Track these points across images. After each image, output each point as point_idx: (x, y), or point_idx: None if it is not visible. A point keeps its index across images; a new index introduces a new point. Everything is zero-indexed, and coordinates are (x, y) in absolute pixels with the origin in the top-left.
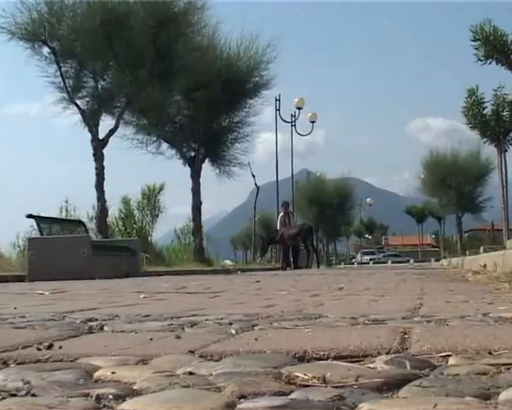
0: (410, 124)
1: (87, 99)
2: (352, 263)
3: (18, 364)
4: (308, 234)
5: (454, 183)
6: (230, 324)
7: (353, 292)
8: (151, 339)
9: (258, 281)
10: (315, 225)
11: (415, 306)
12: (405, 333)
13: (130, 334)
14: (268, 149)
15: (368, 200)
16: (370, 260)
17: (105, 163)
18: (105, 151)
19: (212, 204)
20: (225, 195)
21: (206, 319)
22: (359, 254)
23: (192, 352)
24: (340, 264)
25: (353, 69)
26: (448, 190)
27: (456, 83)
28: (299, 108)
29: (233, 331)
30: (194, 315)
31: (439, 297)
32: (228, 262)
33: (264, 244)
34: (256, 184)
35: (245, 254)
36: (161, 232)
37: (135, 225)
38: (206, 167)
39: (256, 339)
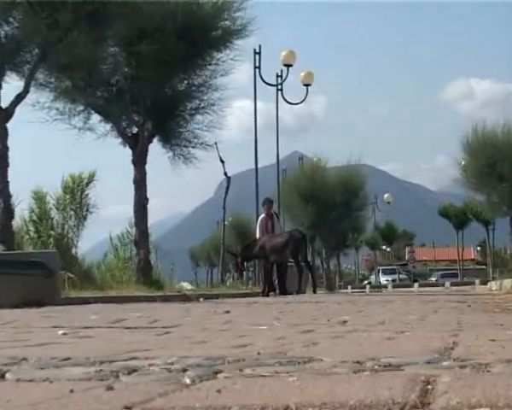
0: (445, 89)
1: None
2: (364, 287)
3: None
4: (300, 245)
5: (508, 172)
6: (184, 370)
7: (361, 327)
8: (72, 391)
9: (228, 311)
10: (310, 231)
11: (446, 346)
12: (428, 383)
13: (43, 384)
14: (244, 123)
15: (386, 196)
16: (392, 281)
17: (9, 142)
18: (9, 125)
19: (163, 202)
20: (182, 189)
21: (151, 364)
22: (377, 273)
23: (129, 409)
24: (345, 287)
25: (366, 11)
26: (499, 183)
27: None
28: (288, 66)
29: (187, 381)
30: (133, 358)
31: (481, 334)
32: (186, 285)
33: (237, 263)
34: (226, 174)
35: (210, 274)
36: (91, 242)
37: (52, 232)
38: (155, 150)
39: (219, 391)
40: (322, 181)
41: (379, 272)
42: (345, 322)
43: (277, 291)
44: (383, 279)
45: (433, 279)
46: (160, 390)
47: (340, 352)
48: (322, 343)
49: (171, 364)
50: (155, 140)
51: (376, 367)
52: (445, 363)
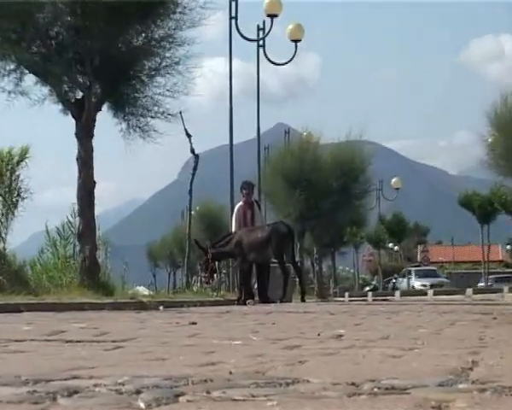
0: (469, 47)
1: None
2: (365, 294)
3: None
4: (286, 241)
5: None
6: (138, 392)
7: (359, 343)
8: None
9: (194, 323)
10: (298, 224)
11: (463, 365)
12: (440, 409)
13: None
14: (216, 88)
15: (393, 181)
16: (431, 286)
17: None
18: None
19: (114, 186)
20: (139, 170)
21: (97, 384)
22: (407, 276)
23: None
24: (342, 295)
25: None
26: None
27: None
28: (273, 16)
29: (142, 405)
30: (75, 377)
31: (507, 352)
32: (142, 290)
33: (207, 262)
34: (193, 151)
35: (172, 277)
36: (23, 236)
37: None
38: (105, 120)
39: None
40: (314, 161)
41: (410, 274)
42: (339, 336)
43: (256, 299)
44: (418, 284)
45: (482, 284)
46: None
47: (331, 372)
48: (311, 362)
49: (122, 384)
50: (105, 108)
51: (376, 390)
52: (461, 386)
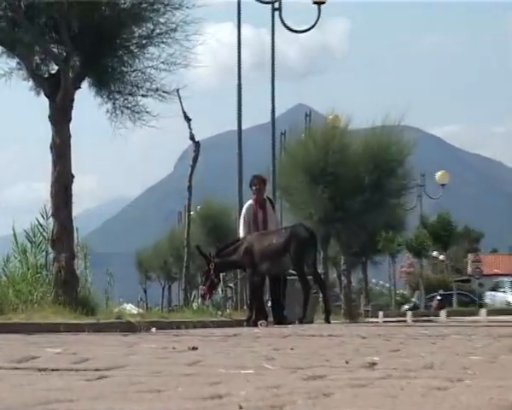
0: None
1: None
2: (403, 314)
3: None
4: (306, 248)
5: None
6: None
7: (397, 372)
8: None
9: (195, 348)
10: (322, 228)
11: None
12: None
13: None
14: (222, 59)
15: (438, 175)
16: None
17: None
18: None
19: (97, 181)
20: (126, 161)
21: None
22: (500, 288)
23: None
24: (375, 315)
25: None
26: None
27: None
28: None
29: None
30: None
31: None
32: (130, 308)
33: (209, 274)
34: (193, 138)
35: (167, 292)
36: None
37: None
38: (85, 100)
39: None
40: (341, 151)
41: (501, 286)
42: (372, 365)
43: (270, 319)
44: None
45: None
46: None
47: (362, 407)
48: (337, 394)
49: None
50: (85, 85)
51: None
52: None
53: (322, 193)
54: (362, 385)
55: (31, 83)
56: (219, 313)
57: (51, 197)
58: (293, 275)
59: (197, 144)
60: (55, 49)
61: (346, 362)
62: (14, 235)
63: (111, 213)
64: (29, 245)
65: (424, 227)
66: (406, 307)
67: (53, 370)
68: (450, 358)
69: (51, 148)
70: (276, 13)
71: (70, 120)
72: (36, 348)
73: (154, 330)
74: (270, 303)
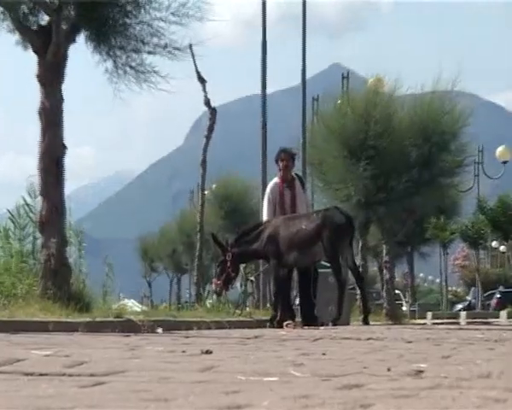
0: None
1: None
2: (456, 315)
3: None
4: (342, 235)
5: None
6: None
7: (448, 381)
8: None
9: (209, 352)
10: (361, 212)
11: None
12: None
13: None
14: (244, 11)
15: (499, 150)
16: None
17: None
18: None
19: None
20: (130, 130)
21: None
22: None
23: None
24: (422, 316)
25: None
26: None
27: None
28: None
29: None
30: None
31: None
32: (132, 305)
33: (226, 264)
34: (209, 104)
35: (176, 286)
36: None
37: None
38: (81, 57)
39: None
40: (385, 120)
41: None
42: (419, 373)
43: (299, 319)
44: None
45: None
46: None
47: None
48: (377, 406)
49: None
50: (81, 39)
51: None
52: None
53: (362, 170)
54: (406, 396)
55: (17, 36)
56: (238, 311)
57: (39, 172)
58: (326, 267)
59: (213, 111)
60: None
61: (388, 369)
62: None
63: (110, 192)
64: (13, 229)
65: (482, 213)
66: (460, 306)
67: (41, 375)
68: (510, 366)
69: (40, 113)
70: None
71: (62, 80)
72: (21, 350)
73: (160, 330)
74: (298, 301)
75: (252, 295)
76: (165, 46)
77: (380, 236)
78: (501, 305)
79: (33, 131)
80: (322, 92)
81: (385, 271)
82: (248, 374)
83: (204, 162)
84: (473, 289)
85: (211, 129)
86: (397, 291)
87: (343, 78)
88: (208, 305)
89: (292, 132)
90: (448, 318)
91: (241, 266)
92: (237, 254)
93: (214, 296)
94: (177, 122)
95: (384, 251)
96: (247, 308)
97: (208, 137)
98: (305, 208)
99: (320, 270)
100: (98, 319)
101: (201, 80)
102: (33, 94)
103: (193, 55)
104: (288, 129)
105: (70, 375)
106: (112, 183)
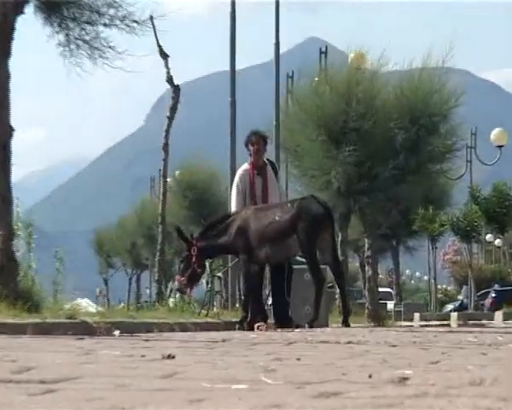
0: None
1: None
2: (447, 317)
3: None
4: (320, 227)
5: None
6: None
7: (436, 389)
8: None
9: (171, 356)
10: (342, 202)
11: None
12: None
13: None
14: None
15: (493, 134)
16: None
17: None
18: None
19: (45, 136)
20: (85, 111)
21: None
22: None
23: None
24: (409, 318)
25: None
26: None
27: None
28: None
29: None
30: None
31: None
32: (86, 304)
33: (191, 260)
34: (172, 81)
35: (135, 284)
36: None
37: None
38: (30, 29)
39: None
40: (368, 100)
41: None
42: (403, 380)
43: (271, 320)
44: None
45: None
46: None
47: None
48: None
49: None
50: (30, 9)
51: None
52: None
53: (343, 156)
54: (389, 405)
55: None
56: (204, 312)
57: None
58: (302, 263)
59: (176, 89)
60: None
61: (370, 376)
62: None
63: (63, 179)
64: None
65: (475, 202)
66: (450, 306)
67: None
68: (504, 372)
69: None
70: None
71: (9, 54)
72: None
73: (117, 333)
74: (270, 300)
75: (219, 294)
76: (123, 18)
77: (362, 228)
78: (496, 305)
79: None
80: (298, 69)
81: (367, 267)
82: (215, 381)
83: (166, 146)
84: (465, 287)
85: (174, 109)
86: (387, 289)
87: (321, 53)
88: (171, 305)
89: (264, 114)
90: (437, 319)
91: (208, 262)
92: (203, 248)
93: (177, 295)
94: (136, 101)
95: (366, 245)
96: (215, 309)
97: (171, 118)
98: (279, 197)
99: (295, 266)
100: (49, 320)
101: (163, 55)
102: None
103: (154, 29)
104: (261, 110)
105: (17, 381)
106: (64, 168)
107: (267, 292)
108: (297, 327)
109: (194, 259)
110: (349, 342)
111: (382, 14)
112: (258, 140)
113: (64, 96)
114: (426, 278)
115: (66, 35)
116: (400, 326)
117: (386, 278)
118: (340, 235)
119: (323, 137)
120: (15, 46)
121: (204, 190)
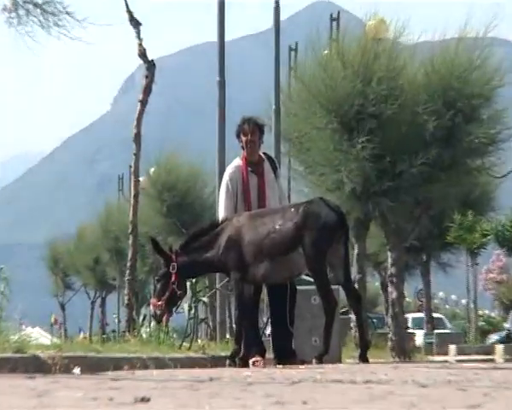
0: None
1: None
2: (490, 350)
3: None
4: (332, 239)
5: None
6: None
7: None
8: None
9: (146, 399)
10: (357, 206)
11: None
12: None
13: None
14: None
15: None
16: None
17: None
18: None
19: None
20: (36, 93)
21: None
22: None
23: None
24: (443, 350)
25: None
26: None
27: None
28: None
29: None
30: None
31: None
32: (39, 335)
33: (169, 279)
34: (145, 55)
35: (100, 309)
36: None
37: None
38: None
39: None
40: (391, 79)
41: None
42: None
43: (270, 354)
44: None
45: None
46: None
47: None
48: None
49: None
50: None
51: None
52: None
53: (359, 149)
54: None
55: None
56: (186, 344)
57: None
58: (309, 283)
59: (151, 66)
60: None
61: None
62: None
63: (10, 178)
64: None
65: None
66: (495, 337)
67: None
68: None
69: None
70: None
71: None
72: None
73: (77, 370)
74: (269, 330)
75: (205, 322)
76: None
77: (383, 239)
78: None
79: None
80: (303, 39)
81: (390, 288)
82: None
83: (138, 137)
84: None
85: (147, 90)
86: (438, 315)
87: (332, 20)
88: (144, 335)
89: (262, 96)
90: (478, 353)
91: (190, 282)
92: (185, 264)
93: (152, 323)
94: (101, 82)
95: (389, 260)
96: (199, 340)
97: (144, 102)
98: (278, 201)
99: (299, 287)
100: None
101: (135, 23)
102: None
103: None
104: (257, 91)
105: None
106: (12, 165)
107: (265, 319)
108: (302, 363)
109: (173, 278)
110: (367, 382)
111: None
112: (252, 129)
113: (10, 75)
114: (464, 301)
115: (14, 1)
116: (432, 362)
117: (415, 302)
118: (356, 247)
119: (334, 125)
120: None
121: (185, 191)
